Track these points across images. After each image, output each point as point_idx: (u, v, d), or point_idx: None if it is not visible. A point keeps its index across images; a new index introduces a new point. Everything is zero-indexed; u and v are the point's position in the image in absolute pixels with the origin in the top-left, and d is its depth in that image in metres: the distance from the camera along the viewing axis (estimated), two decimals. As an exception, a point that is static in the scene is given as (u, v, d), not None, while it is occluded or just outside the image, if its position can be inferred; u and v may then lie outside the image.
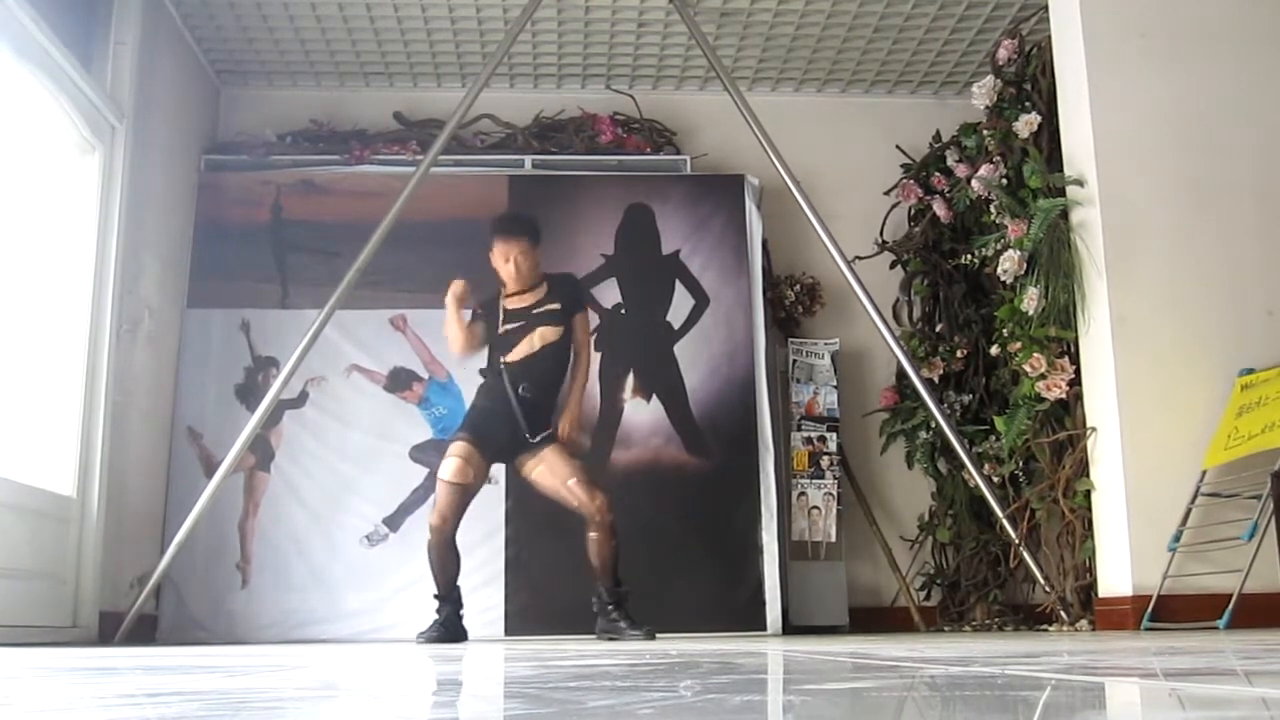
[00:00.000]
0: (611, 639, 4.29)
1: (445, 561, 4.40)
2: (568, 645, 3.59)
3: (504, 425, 4.49)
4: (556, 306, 4.60)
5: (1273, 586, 4.04)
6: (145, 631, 4.88)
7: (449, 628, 4.37)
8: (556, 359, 4.58)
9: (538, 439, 4.49)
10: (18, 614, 4.00)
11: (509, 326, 4.57)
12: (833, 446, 5.68)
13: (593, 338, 4.99)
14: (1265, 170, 4.54)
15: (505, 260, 4.61)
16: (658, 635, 4.37)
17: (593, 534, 4.38)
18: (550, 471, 4.45)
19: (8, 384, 4.10)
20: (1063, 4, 4.74)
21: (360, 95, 6.20)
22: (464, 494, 4.42)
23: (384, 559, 5.23)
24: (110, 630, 4.54)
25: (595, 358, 5.19)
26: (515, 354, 4.54)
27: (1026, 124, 4.87)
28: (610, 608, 4.37)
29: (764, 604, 5.19)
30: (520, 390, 4.47)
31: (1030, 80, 5.04)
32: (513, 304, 4.63)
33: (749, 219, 5.72)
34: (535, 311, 4.59)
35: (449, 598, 4.41)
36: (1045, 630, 4.57)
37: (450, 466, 4.42)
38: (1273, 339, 4.38)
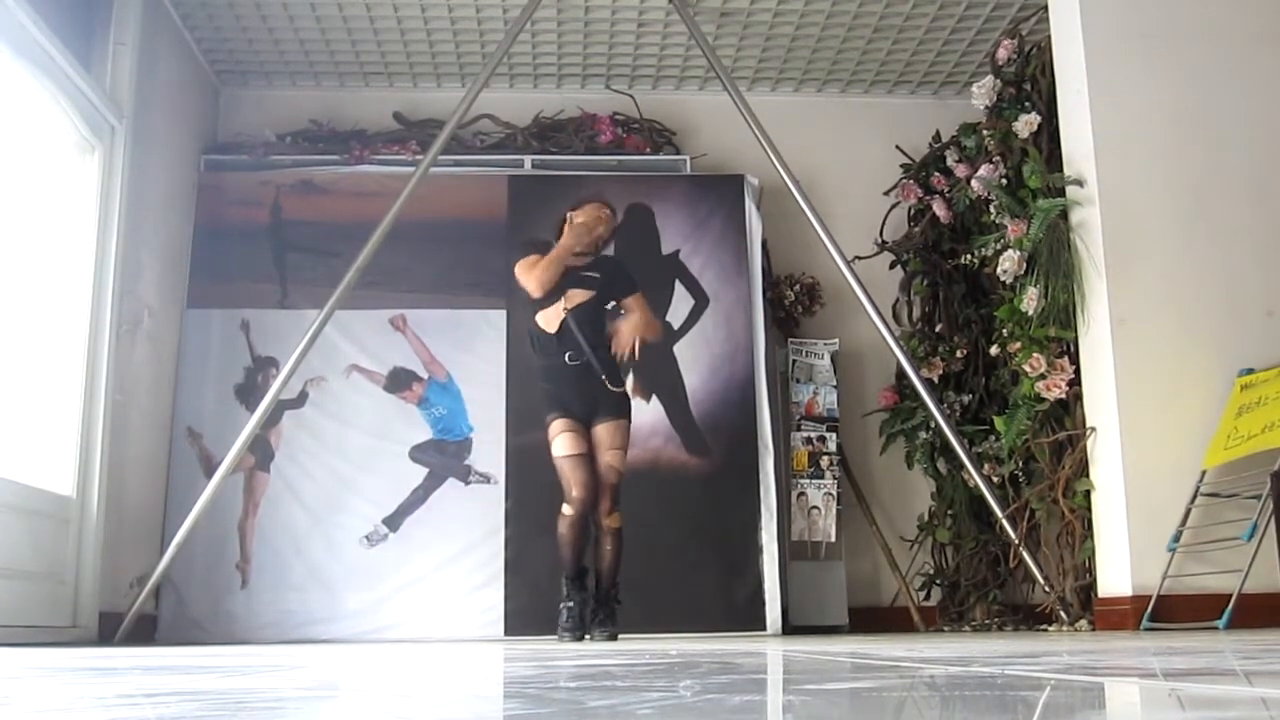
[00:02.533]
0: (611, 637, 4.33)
1: (578, 541, 4.37)
2: (567, 645, 3.60)
3: (578, 390, 4.47)
4: (595, 275, 4.59)
5: (1272, 587, 4.04)
6: (145, 631, 4.88)
7: (576, 620, 4.35)
8: (589, 317, 4.54)
9: (616, 389, 4.50)
10: (17, 614, 4.00)
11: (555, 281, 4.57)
12: (832, 446, 5.68)
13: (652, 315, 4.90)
14: (1265, 170, 4.54)
15: (585, 218, 4.63)
16: (663, 635, 4.40)
17: (596, 535, 4.42)
18: (598, 451, 4.44)
19: (7, 384, 4.10)
20: (1062, 4, 4.74)
21: (360, 95, 6.20)
22: (587, 463, 4.41)
23: (383, 559, 5.23)
24: (110, 630, 4.54)
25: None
26: (543, 322, 4.53)
27: (1026, 124, 4.87)
28: (593, 604, 4.41)
29: (764, 604, 5.19)
30: (567, 358, 4.46)
31: (1030, 80, 5.04)
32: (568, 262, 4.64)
33: (749, 219, 5.72)
34: (576, 272, 4.57)
35: (579, 582, 4.39)
36: (1045, 630, 4.57)
37: (562, 443, 4.42)
38: (1272, 339, 4.38)
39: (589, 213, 4.69)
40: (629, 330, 4.61)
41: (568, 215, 4.72)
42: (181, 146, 5.58)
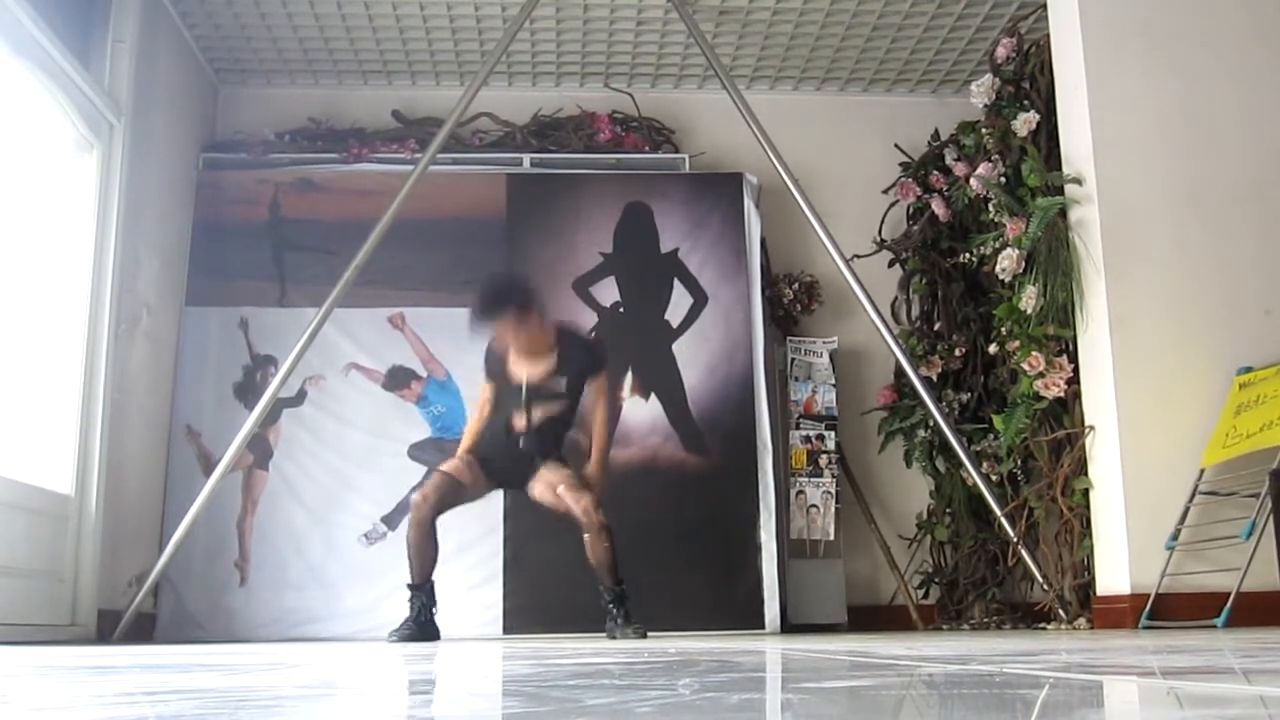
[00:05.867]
0: (611, 636, 4.30)
1: (422, 547, 4.30)
2: (566, 644, 3.59)
3: (507, 454, 4.45)
4: (560, 389, 4.42)
5: (1271, 585, 4.04)
6: (143, 630, 4.88)
7: (422, 625, 4.27)
8: (554, 427, 4.47)
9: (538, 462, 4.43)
10: (16, 612, 4.00)
11: (508, 387, 4.46)
12: (831, 445, 5.69)
13: (613, 396, 4.68)
14: (1263, 169, 4.54)
15: (508, 336, 4.48)
16: (659, 634, 4.37)
17: (586, 536, 4.35)
18: (544, 485, 4.38)
19: (6, 382, 4.10)
20: (1061, 3, 4.74)
21: (358, 94, 6.20)
22: (453, 486, 4.38)
23: (382, 557, 5.22)
24: (108, 628, 4.54)
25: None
26: (515, 422, 4.44)
27: (1025, 122, 4.87)
28: (610, 606, 4.36)
29: (762, 602, 5.20)
30: (520, 444, 4.42)
31: (1029, 79, 5.04)
32: (516, 370, 4.46)
33: (747, 217, 5.72)
34: (539, 387, 4.42)
35: (423, 589, 4.32)
36: (1043, 629, 4.57)
37: (450, 463, 4.44)
38: (1270, 337, 4.38)
39: (511, 341, 4.42)
40: (595, 464, 4.51)
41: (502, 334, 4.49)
42: (180, 144, 5.58)
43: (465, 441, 4.57)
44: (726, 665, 1.98)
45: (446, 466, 4.44)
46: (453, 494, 4.40)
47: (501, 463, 4.47)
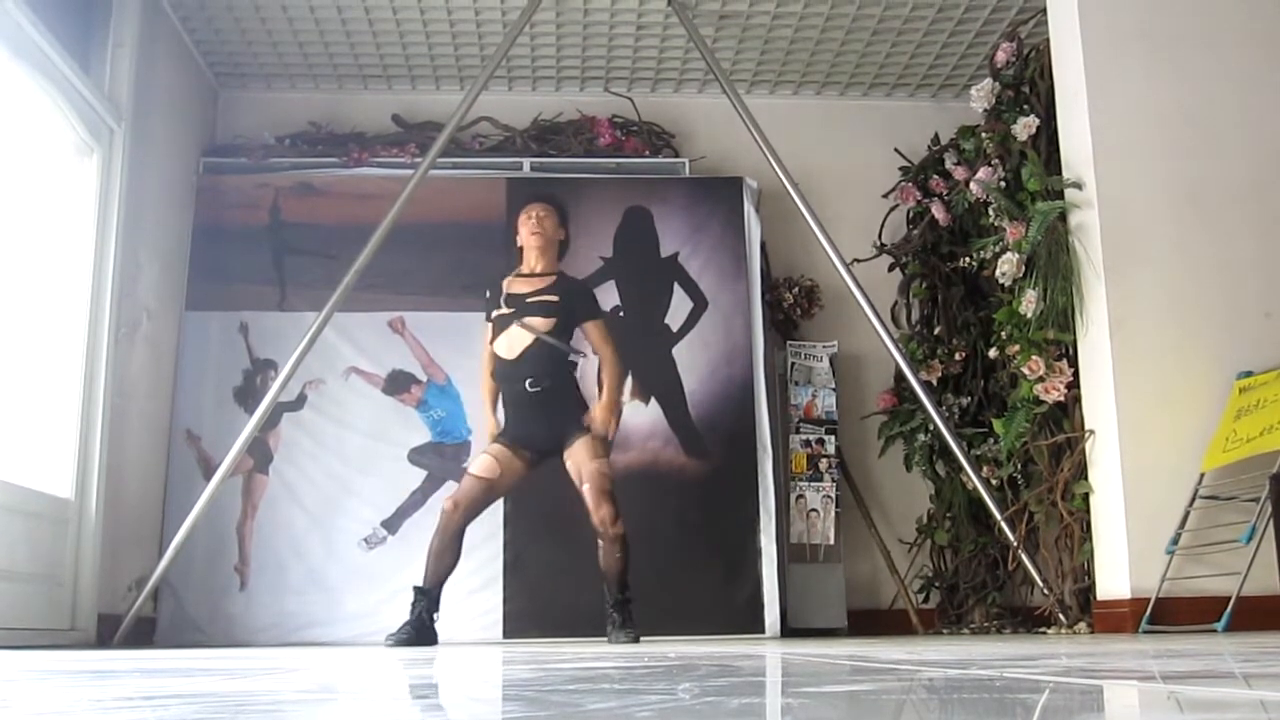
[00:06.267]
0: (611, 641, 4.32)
1: (443, 553, 4.33)
2: (566, 648, 3.59)
3: (542, 418, 4.45)
4: (554, 299, 4.50)
5: (1271, 589, 4.04)
6: (143, 634, 4.88)
7: (419, 629, 4.25)
8: (549, 349, 4.51)
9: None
10: (15, 616, 4.00)
11: (501, 312, 4.52)
12: (831, 449, 5.69)
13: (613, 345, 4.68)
14: (1263, 171, 4.54)
15: (529, 217, 4.58)
16: (660, 638, 4.37)
17: (600, 543, 4.37)
18: (574, 468, 4.41)
19: (6, 386, 4.10)
20: (1061, 7, 4.75)
21: (358, 98, 6.20)
22: (486, 489, 4.40)
23: (382, 562, 5.23)
24: (108, 633, 4.54)
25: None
26: (502, 349, 4.48)
27: (1025, 127, 4.87)
28: (612, 611, 4.37)
29: (762, 606, 5.19)
30: (528, 385, 4.44)
31: (1029, 83, 5.04)
32: (514, 287, 4.56)
33: (747, 221, 5.72)
34: (529, 300, 4.49)
35: (429, 594, 4.31)
36: (1043, 633, 4.57)
37: (479, 462, 4.44)
38: (1271, 341, 4.38)
39: (525, 223, 4.63)
40: (603, 410, 4.55)
41: (518, 225, 4.70)
42: (180, 149, 5.58)
43: (487, 406, 4.61)
44: (726, 669, 1.98)
45: (475, 469, 4.43)
46: (485, 497, 4.43)
47: (536, 427, 4.43)
